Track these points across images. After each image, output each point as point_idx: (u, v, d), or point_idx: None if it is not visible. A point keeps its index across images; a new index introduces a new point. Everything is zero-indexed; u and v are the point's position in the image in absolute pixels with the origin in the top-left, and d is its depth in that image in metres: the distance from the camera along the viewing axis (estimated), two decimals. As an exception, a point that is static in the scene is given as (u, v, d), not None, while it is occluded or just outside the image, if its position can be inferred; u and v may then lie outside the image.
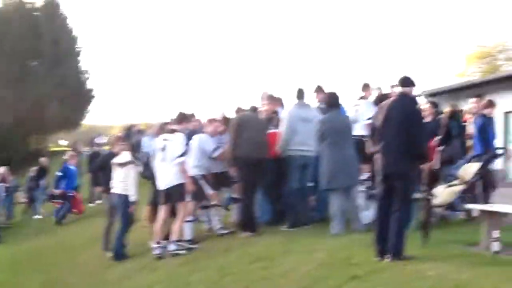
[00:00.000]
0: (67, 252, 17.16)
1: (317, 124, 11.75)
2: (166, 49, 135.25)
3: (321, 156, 11.58)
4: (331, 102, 11.88)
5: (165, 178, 12.19)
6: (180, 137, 12.31)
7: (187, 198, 12.29)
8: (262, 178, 12.44)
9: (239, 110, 13.87)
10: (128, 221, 13.54)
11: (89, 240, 17.30)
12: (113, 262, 13.48)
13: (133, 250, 13.65)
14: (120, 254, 13.53)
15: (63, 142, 68.14)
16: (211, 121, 13.77)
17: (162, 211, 12.38)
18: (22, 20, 52.35)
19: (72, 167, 22.68)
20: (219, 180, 13.29)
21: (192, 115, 15.21)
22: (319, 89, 13.75)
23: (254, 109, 13.41)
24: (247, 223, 12.32)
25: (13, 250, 19.63)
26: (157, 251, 12.29)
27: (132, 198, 13.39)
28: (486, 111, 12.90)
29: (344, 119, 11.81)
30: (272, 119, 13.28)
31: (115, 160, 13.70)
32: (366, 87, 14.40)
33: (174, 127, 12.64)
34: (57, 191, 22.07)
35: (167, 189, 12.18)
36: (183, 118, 13.07)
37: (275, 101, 13.75)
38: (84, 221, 20.92)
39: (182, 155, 12.13)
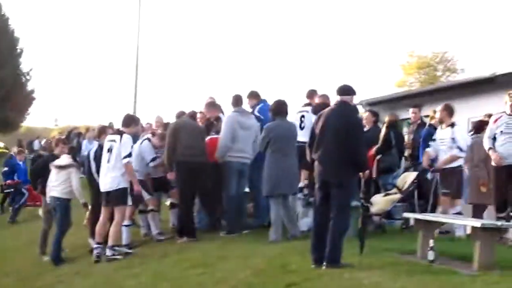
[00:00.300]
0: (0, 256, 16.84)
1: (263, 131, 11.72)
2: (108, 51, 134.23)
3: (265, 163, 11.54)
4: (278, 109, 11.84)
5: (108, 181, 12.01)
6: (127, 138, 12.12)
7: (128, 202, 12.15)
8: (201, 183, 12.34)
9: (180, 114, 13.71)
10: (65, 224, 13.36)
11: (24, 245, 17.02)
12: (49, 267, 13.30)
13: (69, 254, 13.50)
14: (57, 258, 13.32)
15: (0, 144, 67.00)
16: (149, 128, 13.70)
17: (103, 213, 12.23)
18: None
19: (20, 162, 22.35)
20: (157, 185, 13.19)
21: (137, 119, 15.02)
22: (251, 95, 13.69)
23: (191, 115, 13.35)
24: (185, 229, 12.24)
25: None
26: (96, 251, 12.09)
27: (82, 200, 13.38)
28: (433, 121, 13.17)
29: (290, 127, 11.77)
30: (215, 125, 13.24)
31: (56, 162, 13.51)
32: (311, 93, 14.40)
33: (122, 129, 12.42)
34: (10, 181, 21.60)
35: (109, 191, 12.00)
36: (131, 120, 12.89)
37: (215, 108, 13.72)
38: (18, 225, 20.55)
39: (129, 155, 11.96)
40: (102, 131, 13.55)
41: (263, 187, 11.55)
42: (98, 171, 12.65)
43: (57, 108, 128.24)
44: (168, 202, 13.80)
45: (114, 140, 12.11)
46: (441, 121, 12.15)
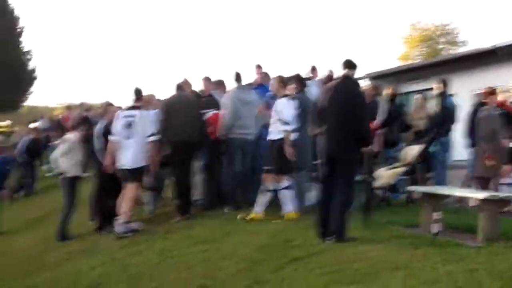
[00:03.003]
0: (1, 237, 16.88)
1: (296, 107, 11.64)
2: (110, 28, 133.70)
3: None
4: (302, 83, 11.84)
5: (129, 158, 11.80)
6: (148, 115, 12.06)
7: (144, 180, 12.14)
8: (197, 159, 12.35)
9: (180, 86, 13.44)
10: (73, 202, 13.38)
11: (25, 225, 17.06)
12: (52, 246, 13.30)
13: (76, 231, 13.54)
14: (63, 235, 13.37)
15: (2, 123, 67.04)
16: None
17: (125, 189, 12.01)
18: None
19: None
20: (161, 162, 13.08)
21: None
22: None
23: (180, 87, 12.96)
24: (182, 206, 12.27)
25: None
26: (120, 229, 11.88)
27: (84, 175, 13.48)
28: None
29: (309, 101, 11.70)
30: (211, 101, 13.15)
31: (64, 140, 13.55)
32: (313, 70, 14.35)
33: (136, 104, 12.23)
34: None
35: (129, 169, 11.86)
36: (139, 93, 12.77)
37: (210, 83, 13.66)
38: (15, 206, 20.52)
39: (153, 134, 11.89)
40: (107, 110, 13.43)
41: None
42: (101, 150, 12.64)
43: (58, 87, 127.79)
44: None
45: (132, 116, 11.90)
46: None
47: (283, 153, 10.83)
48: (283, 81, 11.48)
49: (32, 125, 25.63)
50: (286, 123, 10.85)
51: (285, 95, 11.14)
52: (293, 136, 10.95)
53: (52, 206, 14.47)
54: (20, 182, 22.77)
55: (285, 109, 10.96)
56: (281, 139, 10.87)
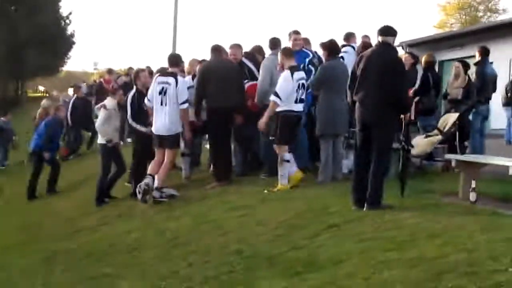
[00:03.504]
0: (40, 199, 17.14)
1: (319, 71, 11.68)
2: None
3: (319, 103, 11.55)
4: (332, 49, 11.75)
5: (165, 125, 11.80)
6: (184, 82, 12.06)
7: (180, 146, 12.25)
8: (236, 127, 12.41)
9: (214, 48, 12.87)
10: (108, 169, 13.53)
11: (63, 188, 17.28)
12: (92, 208, 13.48)
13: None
14: (100, 199, 13.58)
15: (41, 88, 67.79)
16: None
17: (157, 154, 12.08)
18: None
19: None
20: (197, 128, 13.06)
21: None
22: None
23: (215, 50, 12.72)
24: (218, 173, 12.31)
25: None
26: (146, 180, 11.77)
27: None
28: None
29: (344, 67, 11.65)
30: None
31: (103, 105, 13.68)
32: (350, 36, 14.20)
33: (171, 69, 12.17)
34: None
35: (167, 135, 11.86)
36: (178, 59, 12.79)
37: (241, 50, 13.33)
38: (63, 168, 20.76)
39: (186, 101, 11.91)
40: (137, 76, 13.42)
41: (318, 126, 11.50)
42: (134, 117, 12.72)
43: (95, 52, 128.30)
44: (207, 146, 13.80)
45: (167, 83, 11.79)
46: None
47: (284, 125, 10.89)
48: (288, 53, 11.40)
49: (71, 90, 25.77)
50: (276, 95, 10.88)
51: (291, 67, 11.09)
52: (295, 108, 11.07)
53: (96, 170, 14.62)
54: (69, 144, 23.03)
55: (282, 81, 10.99)
56: (284, 111, 10.95)
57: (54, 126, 17.28)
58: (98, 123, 13.70)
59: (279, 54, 11.52)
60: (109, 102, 13.64)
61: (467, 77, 13.34)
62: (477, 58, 13.37)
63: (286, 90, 10.86)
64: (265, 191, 10.91)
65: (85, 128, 22.96)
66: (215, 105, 12.08)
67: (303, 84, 11.13)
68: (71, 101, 23.28)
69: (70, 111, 22.03)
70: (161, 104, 11.79)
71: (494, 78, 13.10)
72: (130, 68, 24.96)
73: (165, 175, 12.00)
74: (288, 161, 10.97)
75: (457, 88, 13.39)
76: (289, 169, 11.00)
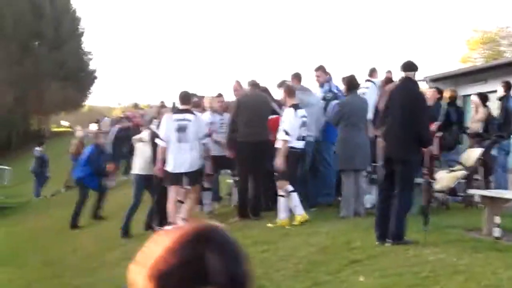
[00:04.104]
0: (65, 233, 17.15)
1: (337, 105, 11.82)
2: (169, 32, 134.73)
3: (338, 138, 11.61)
4: (351, 84, 11.84)
5: (187, 161, 11.66)
6: (202, 117, 12.19)
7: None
8: (262, 161, 12.30)
9: (251, 83, 13.00)
10: (138, 200, 13.58)
11: (86, 222, 17.30)
12: (112, 244, 13.49)
13: (138, 231, 13.65)
14: (126, 232, 13.65)
15: (64, 123, 68.29)
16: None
17: (173, 192, 11.86)
18: (24, 0, 52.24)
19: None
20: (218, 163, 13.11)
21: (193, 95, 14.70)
22: (320, 69, 13.53)
23: (254, 84, 12.83)
24: (241, 207, 12.25)
25: (12, 230, 19.67)
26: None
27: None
28: None
29: (363, 102, 11.73)
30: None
31: (138, 138, 13.77)
32: (373, 71, 14.26)
33: (185, 107, 12.06)
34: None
35: (187, 172, 11.72)
36: (190, 97, 12.69)
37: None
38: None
39: (206, 135, 12.02)
40: (159, 111, 13.56)
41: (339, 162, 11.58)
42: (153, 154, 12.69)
43: (117, 88, 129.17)
44: (230, 180, 13.81)
45: (186, 119, 11.71)
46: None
47: (285, 161, 10.94)
48: (291, 92, 11.45)
49: (92, 125, 25.97)
50: (285, 132, 10.96)
51: (293, 105, 11.18)
52: (297, 144, 11.17)
53: (124, 201, 14.70)
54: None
55: (287, 118, 11.09)
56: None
57: (96, 153, 17.45)
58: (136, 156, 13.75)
59: (282, 91, 11.65)
60: (144, 134, 13.69)
61: (486, 110, 13.32)
62: (501, 92, 13.36)
63: (293, 127, 10.98)
64: (268, 225, 11.08)
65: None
66: (245, 139, 12.03)
67: (304, 122, 11.23)
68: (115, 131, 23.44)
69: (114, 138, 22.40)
70: (179, 142, 11.70)
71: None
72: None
73: (190, 210, 11.95)
74: (294, 191, 10.99)
75: (477, 121, 13.37)
76: (286, 207, 11.08)
